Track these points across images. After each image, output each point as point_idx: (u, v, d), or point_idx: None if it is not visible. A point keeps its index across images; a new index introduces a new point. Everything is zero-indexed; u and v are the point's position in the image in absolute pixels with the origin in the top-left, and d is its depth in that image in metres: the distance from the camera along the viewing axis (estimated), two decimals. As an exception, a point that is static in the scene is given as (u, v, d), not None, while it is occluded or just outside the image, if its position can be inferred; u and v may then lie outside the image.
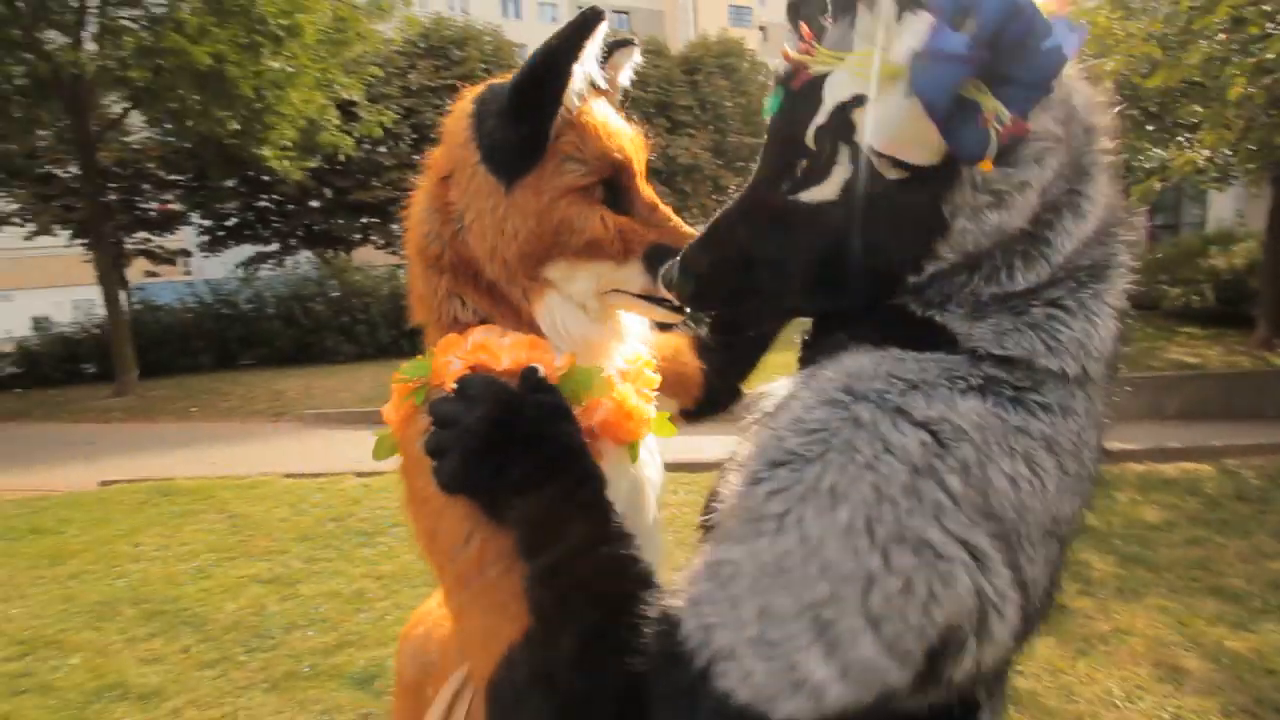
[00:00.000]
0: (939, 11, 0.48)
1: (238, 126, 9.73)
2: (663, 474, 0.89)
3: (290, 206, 17.93)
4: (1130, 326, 0.57)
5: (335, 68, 10.28)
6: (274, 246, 18.89)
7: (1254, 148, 6.05)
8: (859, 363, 0.53)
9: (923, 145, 0.50)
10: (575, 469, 0.65)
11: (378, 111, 12.52)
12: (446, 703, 0.83)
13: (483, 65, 19.90)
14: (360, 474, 5.48)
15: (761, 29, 47.51)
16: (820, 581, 0.45)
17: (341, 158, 14.12)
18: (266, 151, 10.34)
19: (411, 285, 0.84)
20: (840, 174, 0.55)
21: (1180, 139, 6.43)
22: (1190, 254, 9.27)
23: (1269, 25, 4.50)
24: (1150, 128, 7.50)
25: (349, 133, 11.67)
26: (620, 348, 0.83)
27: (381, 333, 12.08)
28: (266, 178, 13.91)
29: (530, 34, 36.52)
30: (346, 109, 12.00)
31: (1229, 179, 8.19)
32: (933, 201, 0.53)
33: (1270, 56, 4.11)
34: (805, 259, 0.58)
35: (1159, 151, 6.87)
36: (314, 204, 18.09)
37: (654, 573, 0.62)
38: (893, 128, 0.50)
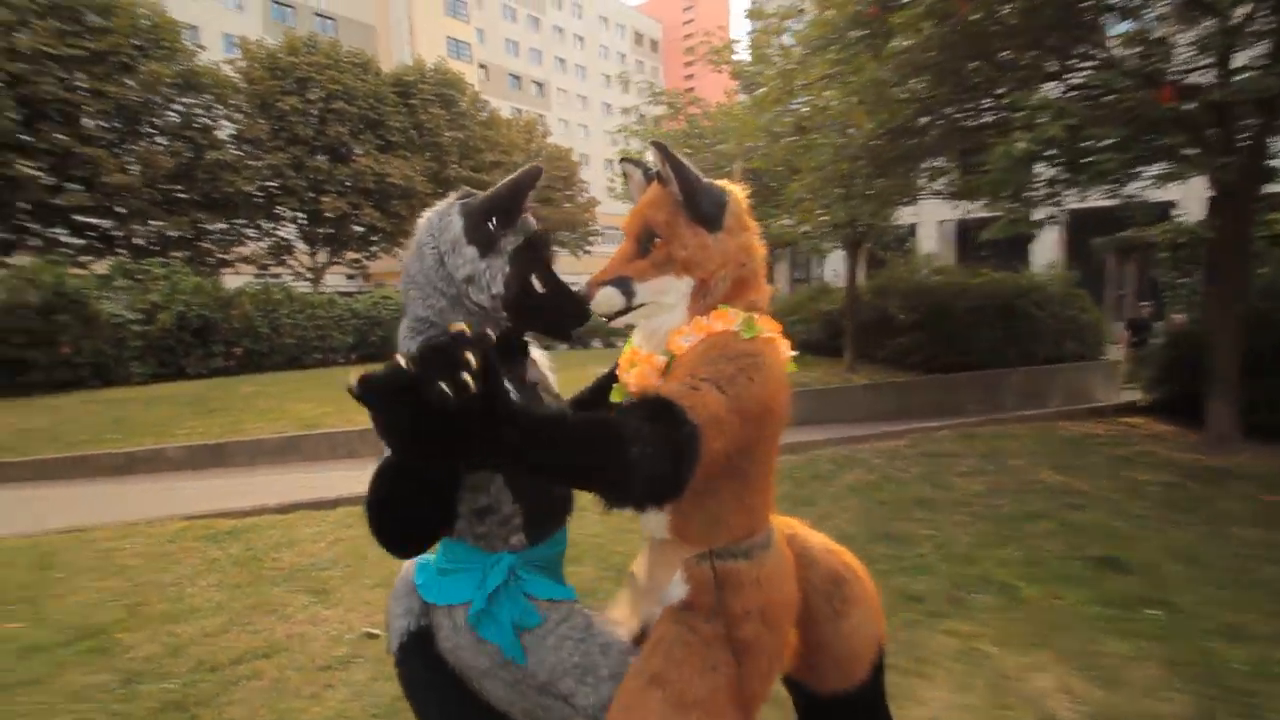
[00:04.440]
0: None
1: None
2: None
3: None
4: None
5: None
6: None
7: (830, 226, 8.19)
8: None
9: None
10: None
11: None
12: None
13: (135, 44, 16.53)
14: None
15: (482, 66, 48.26)
16: None
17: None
18: None
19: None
20: None
21: (787, 213, 8.39)
22: (806, 300, 12.07)
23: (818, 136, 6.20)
24: (774, 205, 9.65)
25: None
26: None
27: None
28: None
29: (204, 16, 31.40)
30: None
31: (822, 245, 10.86)
32: None
33: (822, 159, 5.68)
34: None
35: (775, 220, 8.86)
36: None
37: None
38: None
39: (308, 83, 20.10)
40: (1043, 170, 5.11)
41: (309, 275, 21.48)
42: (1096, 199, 6.52)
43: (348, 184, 20.55)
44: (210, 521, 4.40)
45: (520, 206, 1.18)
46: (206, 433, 6.99)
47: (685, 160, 1.13)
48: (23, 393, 9.10)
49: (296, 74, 19.93)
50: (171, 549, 3.89)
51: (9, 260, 14.26)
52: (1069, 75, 5.60)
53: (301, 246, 21.68)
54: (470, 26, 47.00)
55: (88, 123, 15.72)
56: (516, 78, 52.73)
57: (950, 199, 8.38)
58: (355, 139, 20.78)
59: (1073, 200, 6.38)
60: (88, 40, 15.58)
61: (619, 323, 1.17)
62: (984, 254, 14.94)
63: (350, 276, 27.82)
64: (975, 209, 7.99)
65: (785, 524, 1.39)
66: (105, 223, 16.66)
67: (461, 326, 0.75)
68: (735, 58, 10.44)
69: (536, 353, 1.32)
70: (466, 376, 0.70)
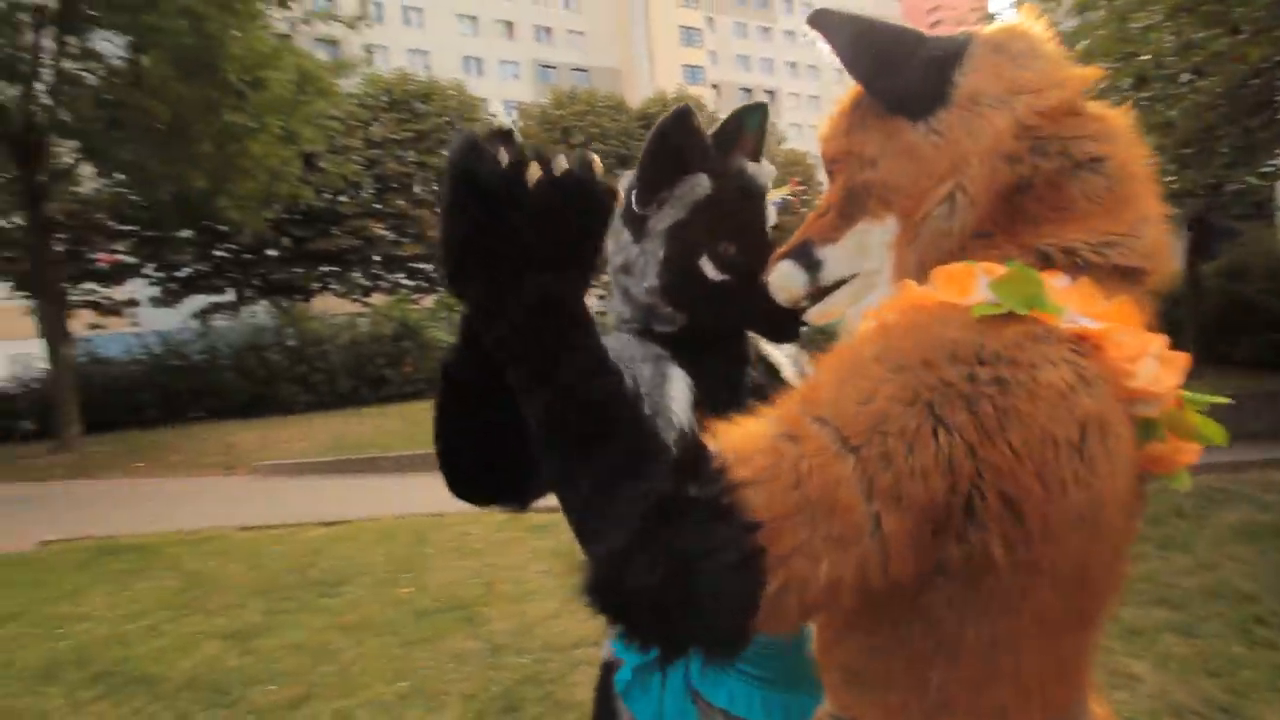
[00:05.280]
0: None
1: (204, 185, 9.68)
2: None
3: (247, 256, 17.69)
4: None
5: (299, 122, 10.37)
6: (229, 296, 18.51)
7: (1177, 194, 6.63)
8: None
9: None
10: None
11: (340, 163, 12.63)
12: None
13: (445, 119, 20.30)
14: (323, 524, 5.34)
15: (714, 86, 49.88)
16: None
17: (303, 207, 14.13)
18: (225, 203, 10.30)
19: None
20: None
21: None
22: (1119, 292, 9.99)
23: (1170, 86, 5.03)
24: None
25: (310, 183, 11.69)
26: None
27: (341, 381, 11.88)
28: (223, 228, 13.76)
29: (492, 90, 37.51)
30: (307, 160, 12.10)
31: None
32: None
33: (1172, 114, 4.58)
34: None
35: None
36: (272, 253, 17.90)
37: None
38: None
39: (570, 131, 22.73)
40: None
41: (573, 299, 24.24)
42: None
43: (604, 214, 22.75)
44: (525, 515, 5.07)
45: (668, 172, 0.87)
46: (511, 438, 8.15)
47: (868, 18, 0.62)
48: (383, 402, 11.65)
49: (562, 125, 22.68)
50: (503, 536, 4.54)
51: (369, 300, 18.49)
52: None
53: (567, 274, 24.56)
54: (703, 51, 48.94)
55: (417, 189, 19.71)
56: (747, 90, 53.31)
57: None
58: (610, 174, 22.88)
59: None
60: (415, 124, 19.59)
61: (818, 315, 0.71)
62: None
63: (600, 297, 30.70)
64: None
65: None
66: (428, 267, 20.69)
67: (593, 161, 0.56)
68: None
69: (773, 352, 1.00)
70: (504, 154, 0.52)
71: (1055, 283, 0.53)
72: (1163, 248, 0.58)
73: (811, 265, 0.68)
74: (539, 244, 0.54)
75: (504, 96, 36.87)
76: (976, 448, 0.47)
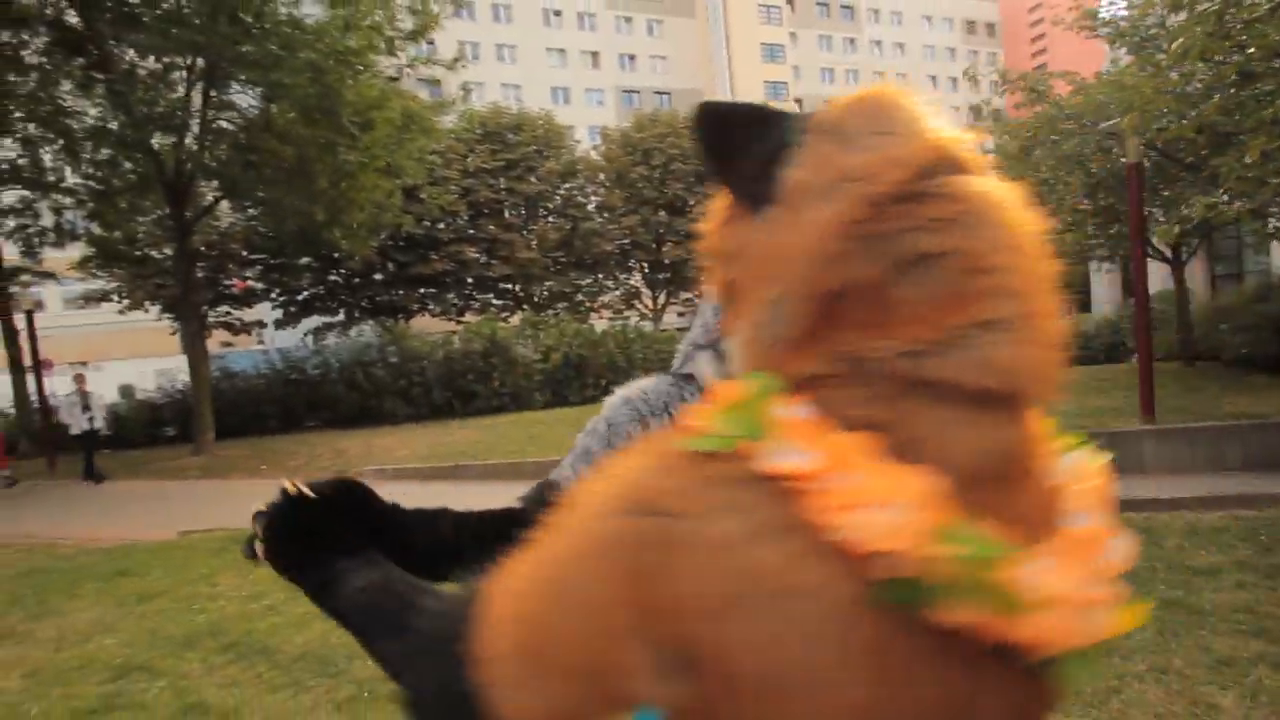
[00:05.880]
0: None
1: (322, 218, 10.79)
2: None
3: (356, 280, 19.28)
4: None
5: (403, 157, 11.32)
6: (340, 317, 20.19)
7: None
8: None
9: None
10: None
11: (438, 194, 13.62)
12: None
13: (534, 147, 21.35)
14: (415, 524, 5.79)
15: (797, 101, 49.45)
16: None
17: (404, 235, 15.28)
18: (338, 233, 11.38)
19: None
20: None
21: (1213, 189, 6.48)
22: (1246, 302, 9.06)
23: None
24: (1187, 177, 7.59)
25: (411, 213, 12.67)
26: None
27: (436, 394, 12.69)
28: (337, 255, 15.12)
29: (578, 118, 39.05)
30: (409, 191, 13.13)
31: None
32: None
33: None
34: None
35: (1200, 198, 6.90)
36: (377, 277, 19.41)
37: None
38: None
39: (651, 152, 23.26)
40: None
41: (650, 315, 24.52)
42: None
43: (683, 232, 22.99)
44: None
45: None
46: (589, 451, 8.45)
47: (736, 104, 0.56)
48: (474, 415, 12.33)
49: (643, 147, 23.26)
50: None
51: (462, 319, 19.59)
52: None
53: (646, 292, 24.91)
54: (786, 67, 48.71)
55: (507, 214, 20.81)
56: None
57: None
58: (689, 192, 23.18)
59: None
60: (506, 153, 20.73)
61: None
62: None
63: (681, 314, 30.86)
64: None
65: None
66: (515, 287, 21.69)
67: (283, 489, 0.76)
68: (1109, 15, 8.74)
69: None
70: (258, 546, 0.75)
71: (791, 410, 0.47)
72: (1021, 361, 0.46)
73: (721, 357, 0.72)
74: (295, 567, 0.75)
75: (589, 123, 38.23)
76: (635, 603, 0.46)
